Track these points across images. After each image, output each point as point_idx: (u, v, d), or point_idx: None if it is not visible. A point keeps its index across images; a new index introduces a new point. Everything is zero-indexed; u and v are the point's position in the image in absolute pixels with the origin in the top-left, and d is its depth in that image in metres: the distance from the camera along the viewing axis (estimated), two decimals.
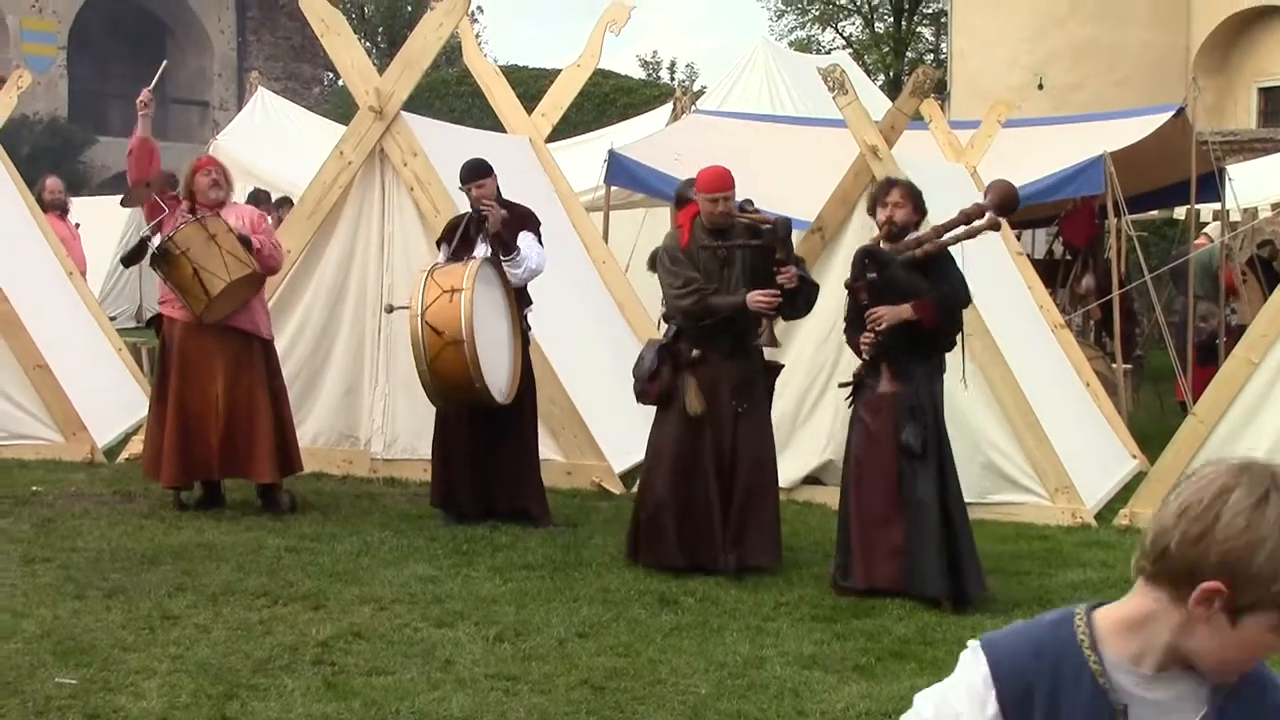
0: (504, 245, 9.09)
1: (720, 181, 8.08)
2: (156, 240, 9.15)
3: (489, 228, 9.07)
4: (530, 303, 9.37)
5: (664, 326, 8.44)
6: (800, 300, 8.12)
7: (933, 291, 7.57)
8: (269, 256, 9.43)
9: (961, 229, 7.67)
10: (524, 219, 9.31)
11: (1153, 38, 27.79)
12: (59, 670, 6.13)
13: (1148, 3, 27.95)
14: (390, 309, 9.43)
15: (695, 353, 8.05)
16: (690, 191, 8.41)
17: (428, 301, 8.71)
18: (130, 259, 9.56)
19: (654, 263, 8.34)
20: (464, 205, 10.10)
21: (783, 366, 8.73)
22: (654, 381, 8.10)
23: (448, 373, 8.70)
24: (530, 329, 9.38)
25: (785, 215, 8.21)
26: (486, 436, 9.25)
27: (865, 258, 7.74)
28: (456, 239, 9.17)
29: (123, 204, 10.42)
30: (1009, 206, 7.75)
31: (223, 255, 9.08)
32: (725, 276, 8.05)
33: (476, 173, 9.22)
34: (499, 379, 8.95)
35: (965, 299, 7.76)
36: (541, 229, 9.40)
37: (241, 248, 9.18)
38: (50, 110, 34.88)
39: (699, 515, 8.02)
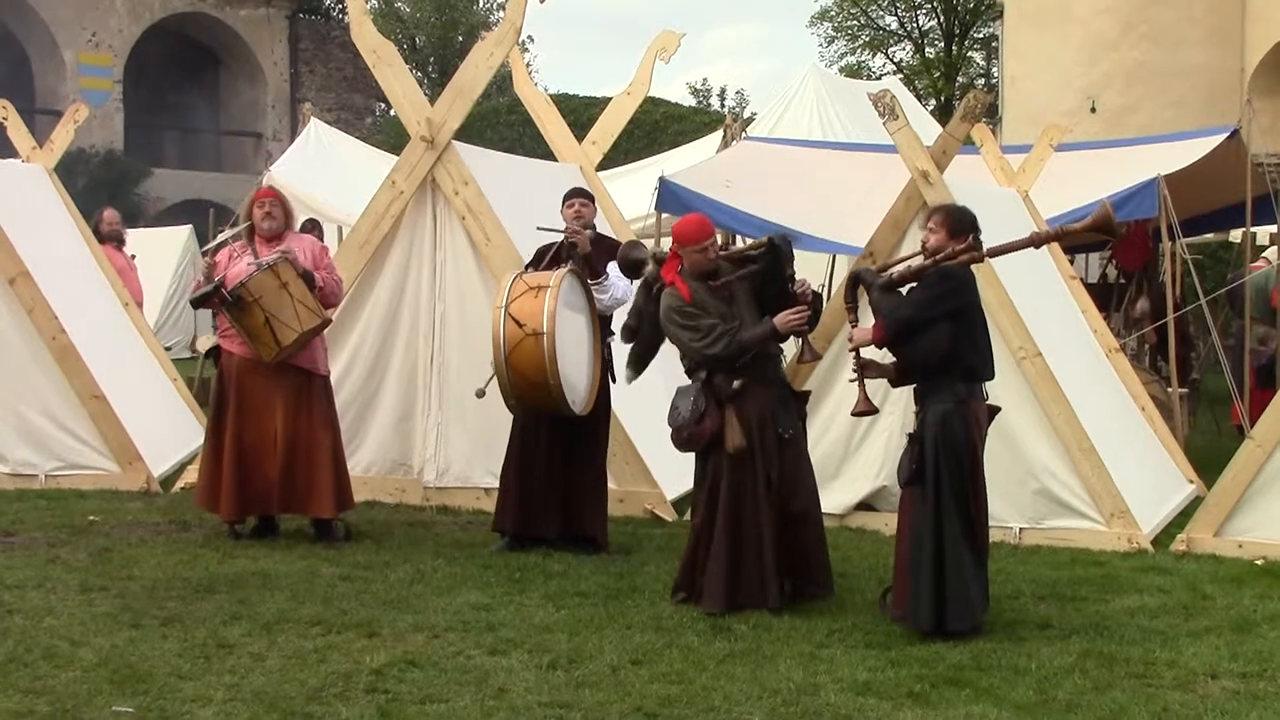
0: (592, 269, 9.19)
1: (704, 229, 8.08)
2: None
3: (579, 251, 9.20)
4: (612, 334, 9.42)
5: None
6: (813, 314, 8.16)
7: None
8: (330, 294, 9.52)
9: (930, 259, 7.57)
10: (613, 250, 9.46)
11: (1207, 60, 27.57)
12: (116, 698, 6.17)
13: (1201, 25, 27.74)
14: (481, 393, 9.27)
15: (736, 384, 7.98)
16: (635, 253, 8.54)
17: (513, 296, 8.76)
18: (200, 302, 9.61)
19: (636, 314, 8.43)
20: (517, 234, 10.18)
21: (810, 393, 8.70)
22: (703, 424, 7.93)
23: (524, 367, 8.69)
24: (612, 359, 9.43)
25: (786, 232, 8.21)
26: (565, 459, 9.32)
27: (853, 280, 7.79)
28: (545, 263, 9.25)
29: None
30: (1104, 228, 7.65)
31: (294, 305, 9.14)
32: (734, 311, 8.01)
33: (580, 192, 9.59)
34: (576, 389, 8.96)
35: (912, 318, 7.42)
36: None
37: (312, 296, 9.25)
38: (106, 143, 35.27)
39: (755, 551, 7.93)
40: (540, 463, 9.32)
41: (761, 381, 8.02)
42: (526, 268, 9.43)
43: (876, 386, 7.94)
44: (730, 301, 8.00)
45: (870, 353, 7.73)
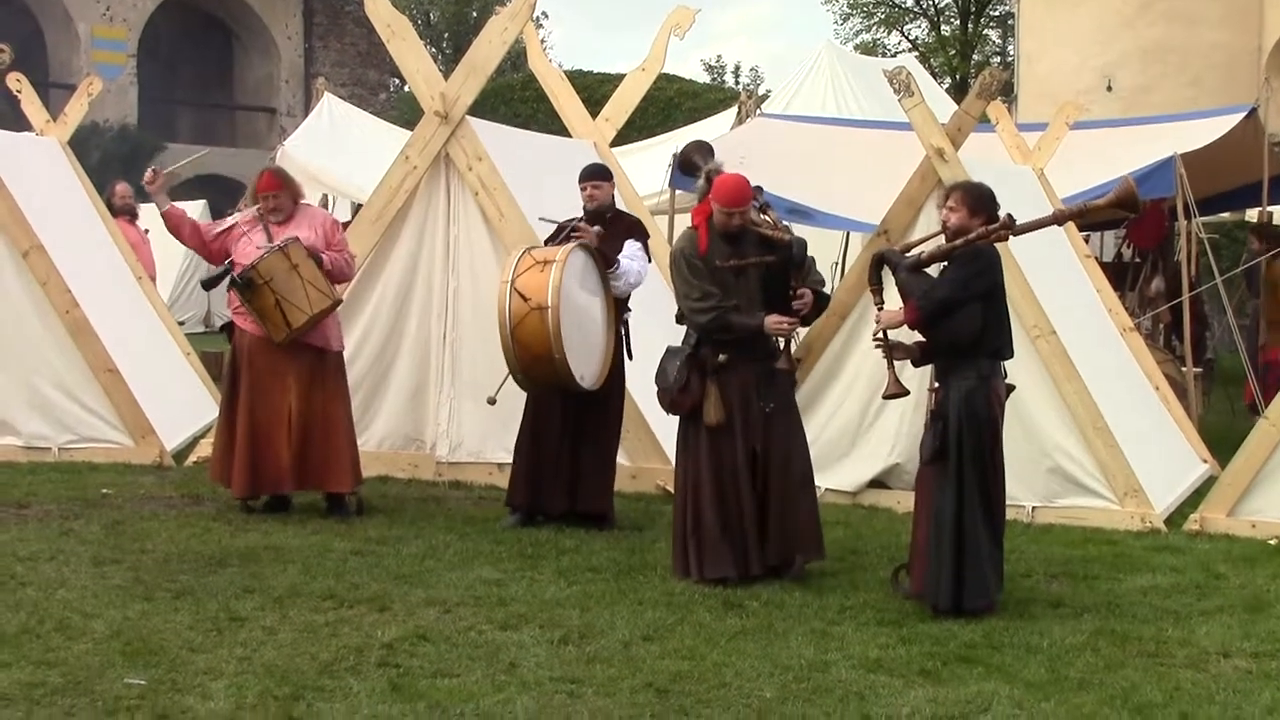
0: (605, 259, 9.15)
1: (739, 196, 8.00)
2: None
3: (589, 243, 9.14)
4: (629, 310, 9.42)
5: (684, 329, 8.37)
6: (811, 314, 8.24)
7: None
8: (339, 273, 9.55)
9: (962, 238, 7.49)
10: (631, 227, 9.49)
11: (1224, 38, 27.43)
12: (128, 670, 6.18)
13: (1219, 4, 27.59)
14: (492, 401, 9.34)
15: (722, 357, 8.01)
16: (696, 156, 8.43)
17: (519, 271, 8.76)
18: (211, 284, 9.63)
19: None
20: (531, 210, 10.15)
21: (799, 362, 8.71)
22: (685, 393, 8.04)
23: (529, 341, 8.69)
24: (628, 335, 9.43)
25: (802, 236, 8.22)
26: (577, 435, 9.32)
27: (877, 261, 7.75)
28: (561, 238, 9.24)
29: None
30: (1127, 204, 7.59)
31: (305, 286, 9.14)
32: (739, 286, 8.03)
33: (593, 174, 9.47)
34: (585, 364, 8.95)
35: (950, 298, 7.38)
36: (649, 239, 9.62)
37: (323, 277, 9.27)
38: (120, 117, 35.23)
39: (739, 522, 7.97)
40: (552, 439, 9.32)
41: (748, 356, 8.03)
42: (546, 242, 9.42)
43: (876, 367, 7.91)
44: (740, 275, 8.00)
45: (892, 333, 7.68)
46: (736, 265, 8.00)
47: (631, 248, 9.33)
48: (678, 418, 8.25)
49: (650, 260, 9.56)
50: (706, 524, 7.97)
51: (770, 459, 8.05)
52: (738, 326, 7.97)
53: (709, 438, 8.02)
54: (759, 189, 8.27)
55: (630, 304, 9.48)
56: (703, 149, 8.64)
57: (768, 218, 8.21)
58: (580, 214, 9.42)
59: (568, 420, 9.31)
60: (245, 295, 9.16)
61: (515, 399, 9.50)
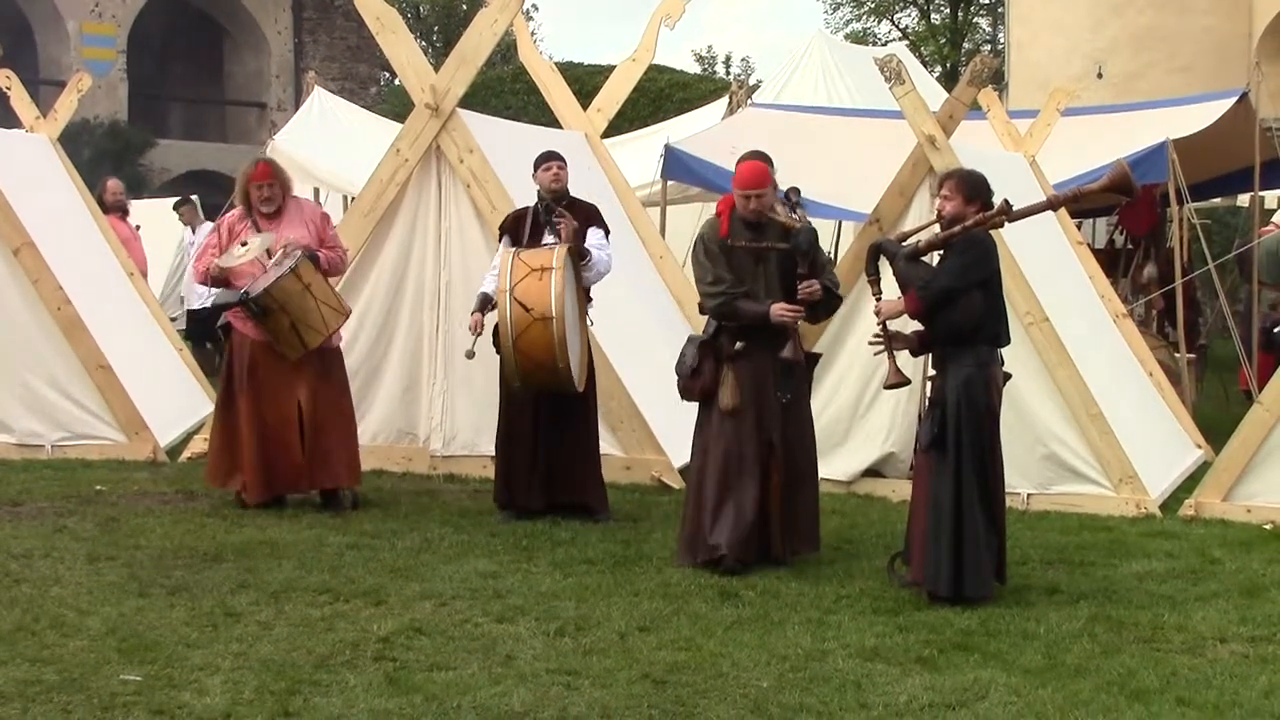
0: (577, 252, 9.12)
1: (754, 178, 8.02)
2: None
3: (563, 240, 9.09)
4: (590, 300, 9.40)
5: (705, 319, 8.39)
6: (821, 310, 8.25)
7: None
8: (334, 270, 9.60)
9: (959, 226, 7.47)
10: (590, 215, 9.42)
11: (1214, 24, 27.43)
12: (124, 667, 6.17)
13: None
14: (471, 355, 9.25)
15: (738, 345, 8.02)
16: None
17: (516, 279, 8.73)
18: (223, 309, 9.64)
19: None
20: (522, 202, 10.13)
21: (820, 355, 8.73)
22: (697, 378, 8.07)
23: (532, 350, 8.69)
24: (593, 324, 9.41)
25: (811, 225, 8.20)
26: (549, 429, 9.28)
27: (874, 252, 7.73)
28: (527, 233, 9.20)
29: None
30: (1122, 187, 7.57)
31: (319, 306, 9.14)
32: (759, 273, 8.04)
33: (555, 155, 9.42)
34: (575, 364, 8.95)
35: (951, 287, 7.36)
36: (606, 223, 9.53)
37: (334, 294, 9.27)
38: (110, 113, 35.15)
39: (739, 507, 7.97)
40: (526, 434, 9.29)
41: (766, 345, 8.02)
42: (501, 236, 9.39)
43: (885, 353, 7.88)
44: (761, 262, 8.01)
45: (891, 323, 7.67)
46: (749, 247, 8.00)
47: (597, 236, 9.31)
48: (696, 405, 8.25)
49: (609, 244, 9.50)
50: (706, 505, 7.99)
51: (784, 450, 8.08)
52: (744, 312, 7.98)
53: (720, 425, 8.03)
54: (795, 189, 8.31)
55: (592, 294, 9.43)
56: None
57: (795, 214, 8.21)
58: (535, 201, 9.38)
59: (539, 415, 9.27)
60: (258, 319, 9.14)
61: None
